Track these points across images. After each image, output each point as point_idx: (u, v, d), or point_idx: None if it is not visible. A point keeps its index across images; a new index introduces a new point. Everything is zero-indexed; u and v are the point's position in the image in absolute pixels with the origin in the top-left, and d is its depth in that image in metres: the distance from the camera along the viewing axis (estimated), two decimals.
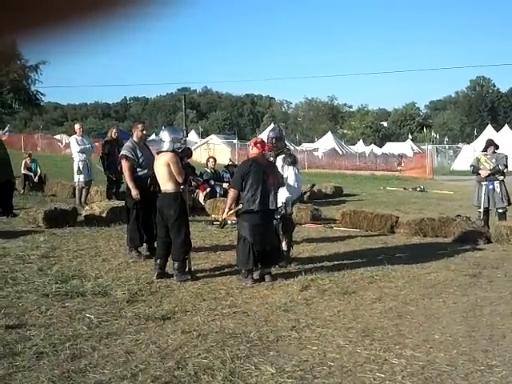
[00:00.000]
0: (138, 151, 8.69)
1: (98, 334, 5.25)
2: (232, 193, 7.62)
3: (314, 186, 12.29)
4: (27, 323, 5.46)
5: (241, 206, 7.43)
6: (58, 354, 4.71)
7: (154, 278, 7.34)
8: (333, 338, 5.36)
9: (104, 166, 13.95)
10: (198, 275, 7.56)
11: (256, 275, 7.43)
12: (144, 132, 9.09)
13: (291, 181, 8.37)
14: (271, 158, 8.35)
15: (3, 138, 11.75)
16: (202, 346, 5.02)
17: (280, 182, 7.85)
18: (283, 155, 8.51)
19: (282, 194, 8.17)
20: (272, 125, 46.41)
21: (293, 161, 8.58)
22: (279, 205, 8.05)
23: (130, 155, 8.60)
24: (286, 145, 8.96)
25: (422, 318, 6.08)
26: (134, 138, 8.90)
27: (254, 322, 5.77)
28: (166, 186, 7.45)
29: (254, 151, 7.70)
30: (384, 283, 7.51)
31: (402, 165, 42.40)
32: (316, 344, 5.18)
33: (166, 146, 7.55)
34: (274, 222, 8.10)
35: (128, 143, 8.95)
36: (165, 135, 7.61)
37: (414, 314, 6.21)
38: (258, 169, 7.47)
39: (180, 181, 7.41)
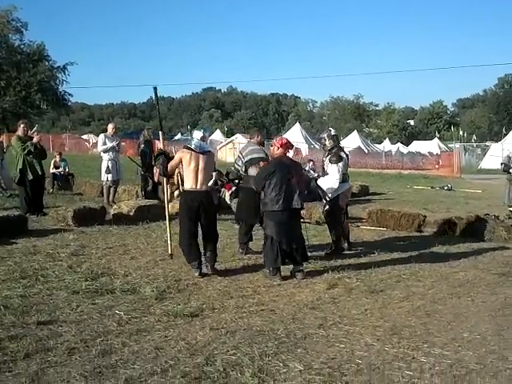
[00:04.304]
0: None
1: (128, 330, 5.33)
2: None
3: None
4: (58, 319, 5.56)
5: None
6: (89, 349, 4.79)
7: (197, 275, 7.37)
8: (360, 336, 5.37)
9: (142, 163, 14.04)
10: (224, 273, 7.61)
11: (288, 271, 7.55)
12: None
13: (331, 177, 8.82)
14: (325, 158, 9.03)
15: (35, 139, 11.78)
16: (230, 342, 5.07)
17: (307, 181, 7.99)
18: (330, 154, 8.98)
19: (323, 187, 8.83)
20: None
21: (337, 159, 8.93)
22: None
23: None
24: (336, 144, 9.27)
25: (451, 316, 6.05)
26: None
27: (282, 319, 5.80)
28: (207, 183, 7.57)
29: (278, 151, 7.75)
30: (412, 282, 7.49)
31: (440, 162, 41.94)
32: (344, 342, 5.20)
33: (204, 144, 7.73)
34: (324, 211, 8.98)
35: None
36: (200, 134, 7.70)
37: (443, 312, 6.19)
38: (282, 168, 7.51)
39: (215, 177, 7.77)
